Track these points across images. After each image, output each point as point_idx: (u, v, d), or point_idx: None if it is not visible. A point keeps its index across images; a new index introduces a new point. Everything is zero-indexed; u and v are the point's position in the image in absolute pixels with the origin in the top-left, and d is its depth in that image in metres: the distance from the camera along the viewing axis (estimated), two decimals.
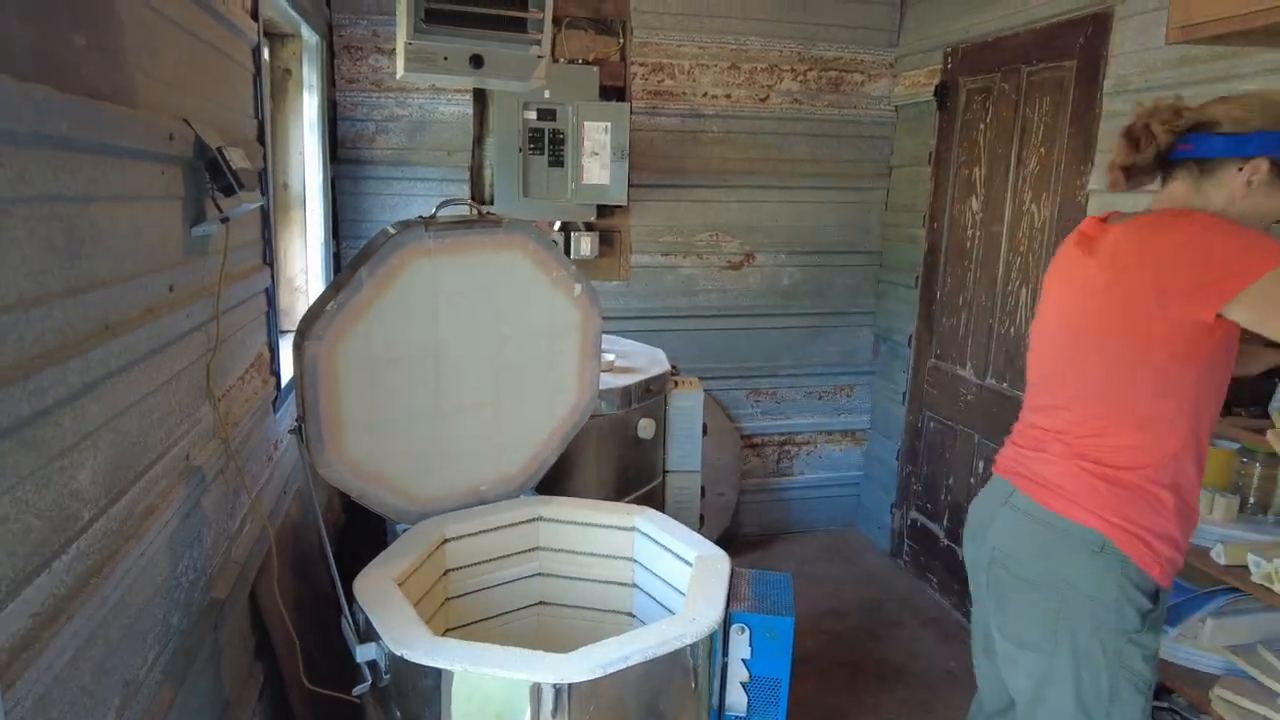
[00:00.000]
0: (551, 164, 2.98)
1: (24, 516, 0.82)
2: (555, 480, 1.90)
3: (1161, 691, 2.07)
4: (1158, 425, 1.31)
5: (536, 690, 1.14)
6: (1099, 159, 2.40)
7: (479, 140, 3.06)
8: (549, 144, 2.97)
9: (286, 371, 2.08)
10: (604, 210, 3.19)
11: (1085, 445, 1.36)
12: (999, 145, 2.84)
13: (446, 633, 1.57)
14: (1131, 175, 1.43)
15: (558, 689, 1.12)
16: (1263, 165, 1.31)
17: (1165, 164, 1.41)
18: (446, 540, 1.56)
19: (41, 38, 0.88)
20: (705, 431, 2.42)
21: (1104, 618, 1.31)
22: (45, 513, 0.86)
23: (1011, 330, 2.79)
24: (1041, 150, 2.64)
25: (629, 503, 2.14)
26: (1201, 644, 1.84)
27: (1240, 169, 1.32)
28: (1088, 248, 1.41)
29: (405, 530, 1.58)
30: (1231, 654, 1.78)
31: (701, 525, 2.44)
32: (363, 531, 2.31)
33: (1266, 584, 1.62)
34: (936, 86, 3.14)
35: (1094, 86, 2.40)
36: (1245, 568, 1.67)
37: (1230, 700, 1.70)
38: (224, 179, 1.36)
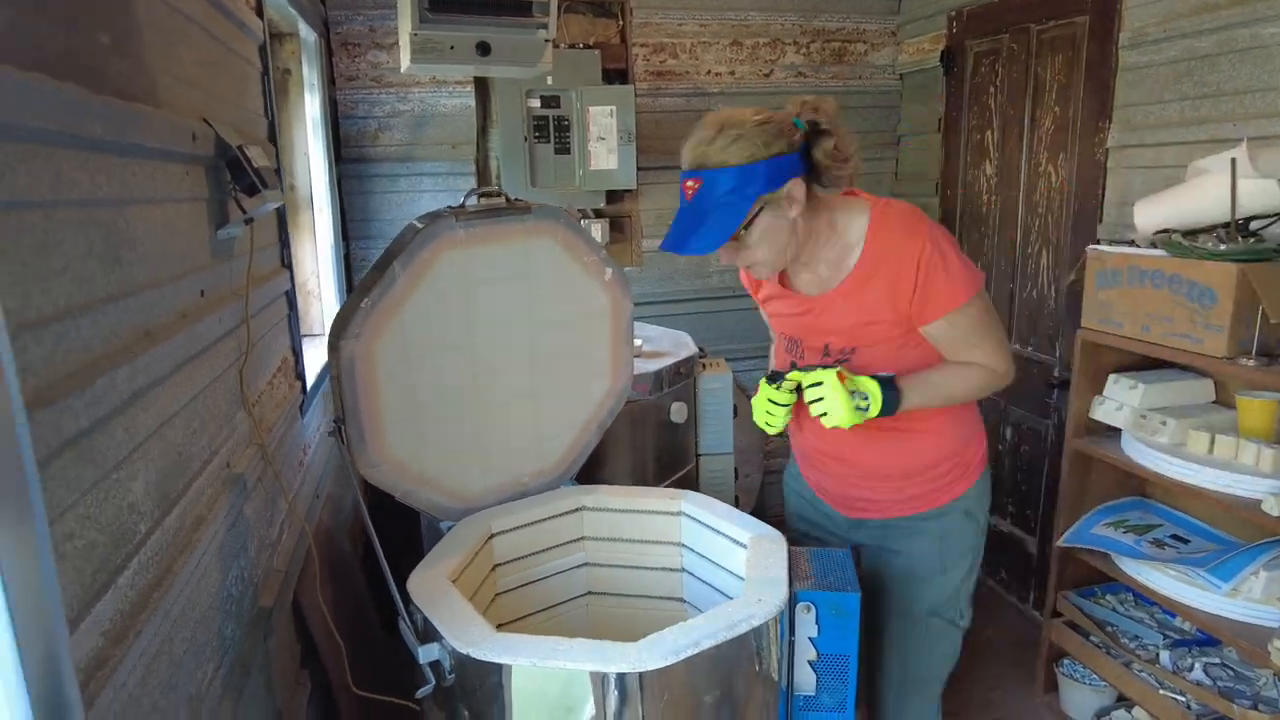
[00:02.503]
0: (558, 151, 2.94)
1: (88, 532, 0.79)
2: (591, 469, 1.87)
3: (1212, 646, 2.06)
4: None
5: (602, 680, 1.12)
6: (1117, 114, 2.37)
7: (483, 131, 3.02)
8: (554, 131, 2.93)
9: (310, 375, 2.05)
10: (613, 196, 3.15)
11: None
12: (1010, 108, 2.80)
13: (499, 628, 1.54)
14: None
15: (629, 679, 1.10)
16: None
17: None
18: (493, 535, 1.53)
19: (70, 38, 0.84)
20: (735, 413, 2.39)
21: None
22: (107, 527, 0.84)
23: (1034, 294, 2.76)
24: (1056, 110, 2.60)
25: (665, 487, 2.12)
26: (1255, 597, 1.82)
27: None
28: None
29: (448, 528, 1.55)
30: None
31: (736, 506, 2.41)
32: (388, 531, 2.28)
33: None
34: (942, 52, 3.10)
35: (1109, 41, 2.36)
36: None
37: None
38: (246, 178, 1.33)
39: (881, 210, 1.43)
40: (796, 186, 1.36)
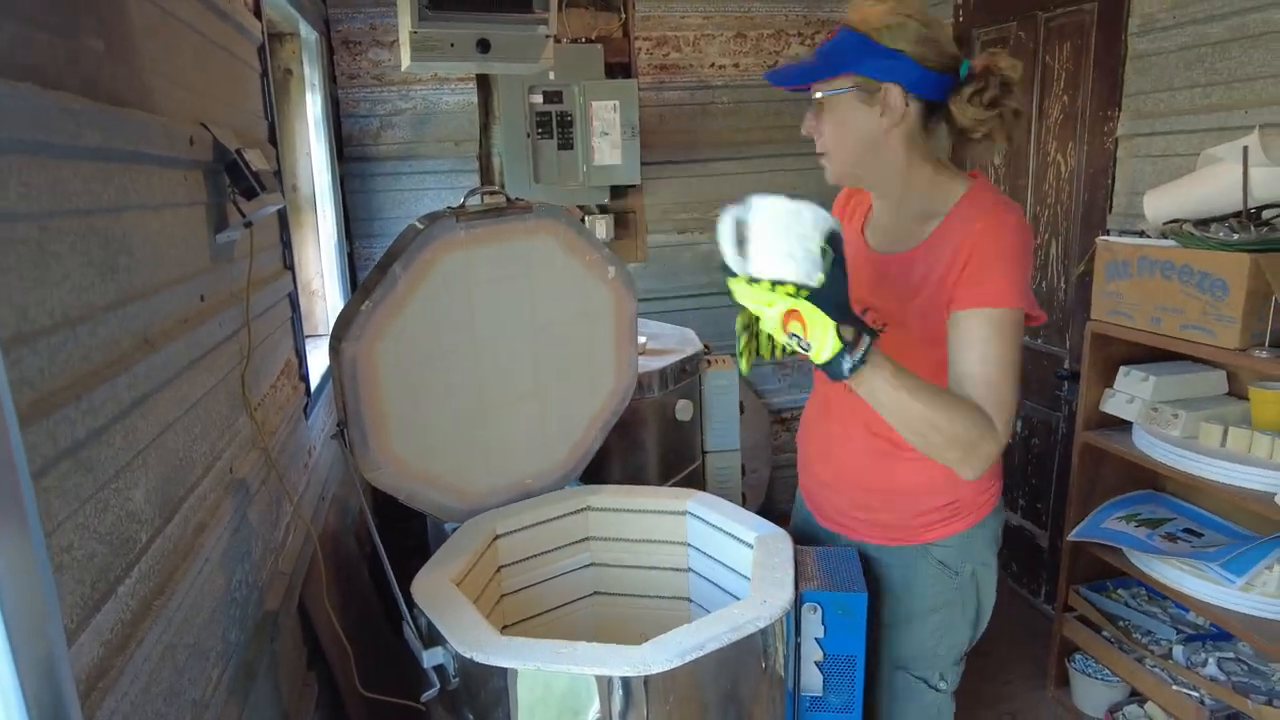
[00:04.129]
0: (561, 147, 2.93)
1: (87, 542, 0.79)
2: (596, 468, 1.86)
3: (1226, 640, 2.04)
4: None
5: (608, 684, 1.12)
6: (1126, 103, 2.34)
7: (485, 128, 3.01)
8: (557, 127, 2.92)
9: (314, 377, 2.05)
10: (617, 191, 3.14)
11: None
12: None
13: (505, 629, 1.54)
14: None
15: (635, 682, 1.09)
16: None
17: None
18: (498, 536, 1.53)
19: (65, 47, 0.83)
20: (742, 410, 2.38)
21: None
22: (106, 537, 0.83)
23: (1043, 284, 2.73)
24: (1064, 98, 2.57)
25: (671, 486, 2.11)
26: (1269, 592, 1.80)
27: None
28: None
29: (453, 529, 1.55)
30: None
31: (744, 504, 2.40)
32: (396, 531, 2.29)
33: None
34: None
35: (1118, 28, 2.33)
36: None
37: None
38: (245, 181, 1.32)
39: (979, 189, 1.29)
40: (898, 96, 1.22)
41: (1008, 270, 1.20)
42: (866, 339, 1.07)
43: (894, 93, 1.22)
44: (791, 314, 1.04)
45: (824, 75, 1.26)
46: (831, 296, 1.03)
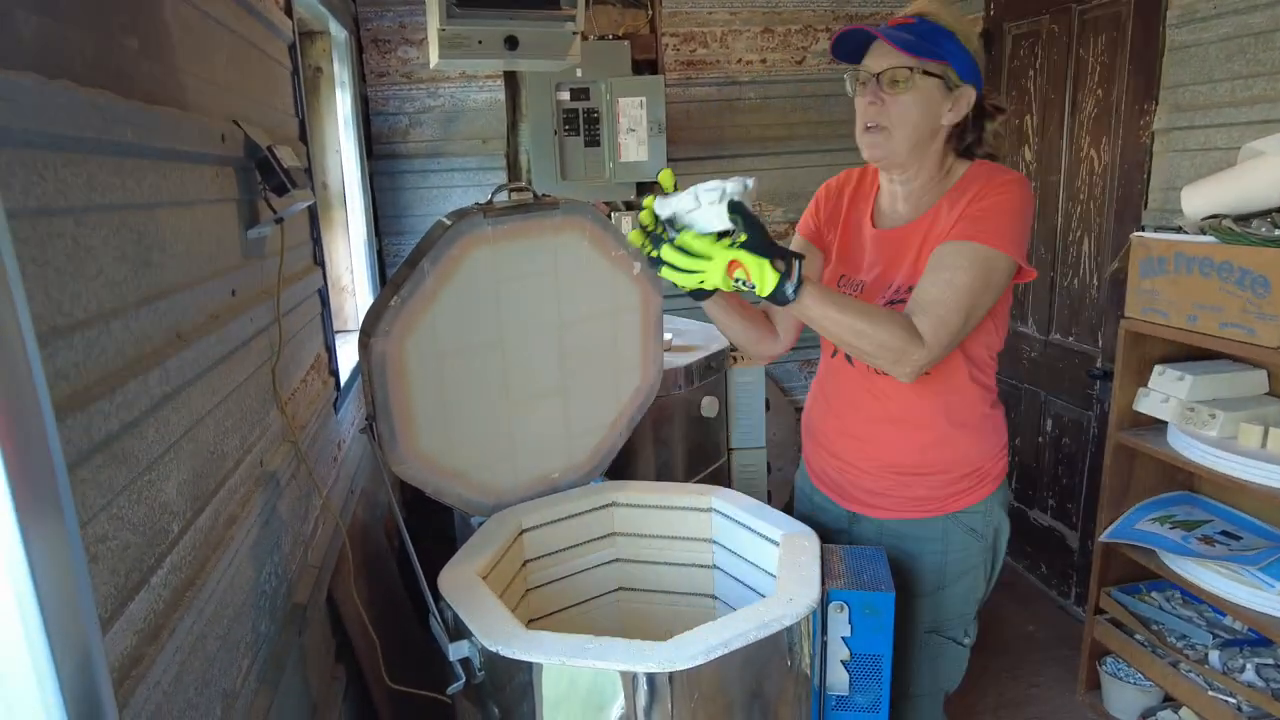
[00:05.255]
0: (588, 144, 2.93)
1: (121, 533, 0.80)
2: (622, 464, 1.86)
3: (1264, 646, 1.99)
4: None
5: (632, 679, 1.11)
6: (1164, 96, 2.29)
7: (513, 126, 3.02)
8: (584, 124, 2.92)
9: (344, 372, 2.07)
10: (643, 188, 3.13)
11: None
12: (1051, 91, 2.72)
13: (530, 624, 1.55)
14: None
15: (659, 678, 1.09)
16: None
17: None
18: (524, 531, 1.53)
19: (99, 44, 0.85)
20: (767, 407, 2.36)
21: None
22: (140, 527, 0.85)
23: (1075, 282, 2.68)
24: (1099, 92, 2.52)
25: (696, 483, 2.11)
26: None
27: None
28: None
29: (479, 523, 1.56)
30: None
31: (769, 501, 2.39)
32: (423, 525, 2.31)
33: None
34: (979, 35, 3.01)
35: (1155, 19, 2.28)
36: None
37: None
38: (276, 178, 1.33)
39: (980, 164, 1.38)
40: (971, 97, 1.30)
41: (1004, 218, 1.28)
42: (796, 263, 1.19)
43: (969, 95, 1.31)
44: (733, 264, 1.17)
45: (924, 54, 1.26)
46: (758, 241, 1.17)
